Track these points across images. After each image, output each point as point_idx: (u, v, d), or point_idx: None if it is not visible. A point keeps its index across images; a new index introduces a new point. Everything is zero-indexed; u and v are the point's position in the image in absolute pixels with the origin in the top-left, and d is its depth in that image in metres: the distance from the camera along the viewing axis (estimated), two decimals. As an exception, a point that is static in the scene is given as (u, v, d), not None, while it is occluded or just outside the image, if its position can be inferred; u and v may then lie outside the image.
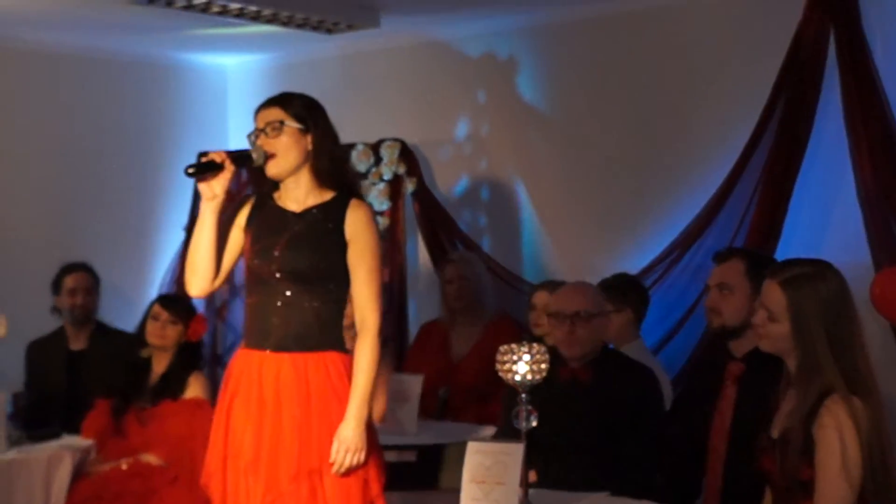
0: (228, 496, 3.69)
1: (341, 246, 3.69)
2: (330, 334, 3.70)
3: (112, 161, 7.34)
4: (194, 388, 5.28)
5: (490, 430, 5.16)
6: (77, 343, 6.24)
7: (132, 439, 5.32)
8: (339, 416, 3.61)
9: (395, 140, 6.96)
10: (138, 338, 5.53)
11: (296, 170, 3.72)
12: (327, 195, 3.75)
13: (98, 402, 5.48)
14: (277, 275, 3.68)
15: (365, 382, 3.62)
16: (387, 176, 6.95)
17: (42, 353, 6.27)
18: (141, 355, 5.50)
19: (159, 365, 5.45)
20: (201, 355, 5.54)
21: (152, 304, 5.55)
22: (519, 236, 6.81)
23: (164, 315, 5.43)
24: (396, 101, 7.26)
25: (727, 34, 5.93)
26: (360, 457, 3.60)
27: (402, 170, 6.94)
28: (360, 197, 3.79)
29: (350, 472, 3.61)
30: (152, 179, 7.45)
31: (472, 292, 6.08)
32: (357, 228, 3.69)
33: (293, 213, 3.74)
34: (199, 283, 3.74)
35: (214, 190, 3.64)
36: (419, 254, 7.10)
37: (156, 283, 7.34)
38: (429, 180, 7.06)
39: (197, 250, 3.71)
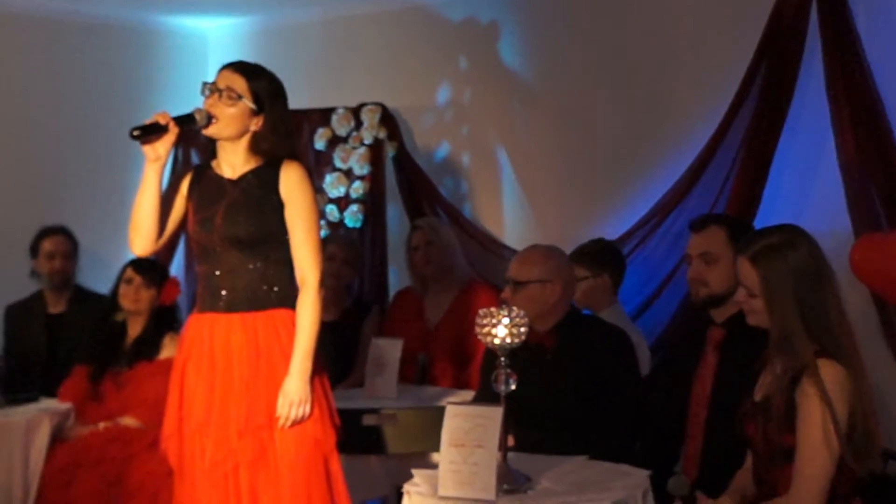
0: (184, 457, 3.77)
1: (278, 207, 3.76)
2: (278, 293, 3.78)
3: (90, 125, 7.28)
4: (169, 349, 5.26)
5: (466, 395, 5.18)
6: (56, 307, 6.22)
7: (110, 403, 5.32)
8: (286, 372, 3.68)
9: (376, 104, 6.92)
10: (112, 301, 5.52)
11: (233, 138, 3.78)
12: (261, 160, 3.81)
13: (75, 368, 5.47)
14: (220, 242, 3.76)
15: (307, 338, 3.70)
16: (367, 140, 6.91)
17: (21, 316, 6.25)
18: (115, 319, 5.49)
19: (134, 328, 5.46)
20: (177, 318, 5.52)
21: (125, 267, 5.54)
22: (500, 202, 6.79)
23: (138, 279, 5.43)
24: (378, 65, 7.22)
25: (710, 2, 5.91)
26: (305, 409, 3.67)
27: (382, 134, 6.90)
28: (293, 157, 3.84)
29: (298, 426, 3.68)
30: (131, 144, 7.34)
31: (440, 258, 6.02)
32: (291, 189, 3.76)
33: (229, 181, 3.82)
34: (141, 243, 3.81)
35: (158, 151, 3.71)
36: (400, 219, 7.07)
37: (134, 247, 7.30)
38: (410, 146, 7.03)
39: (140, 210, 3.77)
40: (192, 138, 6.85)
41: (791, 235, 3.46)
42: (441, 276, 6.03)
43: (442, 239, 6.05)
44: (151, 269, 5.45)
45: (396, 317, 6.19)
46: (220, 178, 3.83)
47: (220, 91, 3.74)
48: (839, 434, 3.25)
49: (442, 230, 6.13)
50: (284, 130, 3.82)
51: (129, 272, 5.45)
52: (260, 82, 3.78)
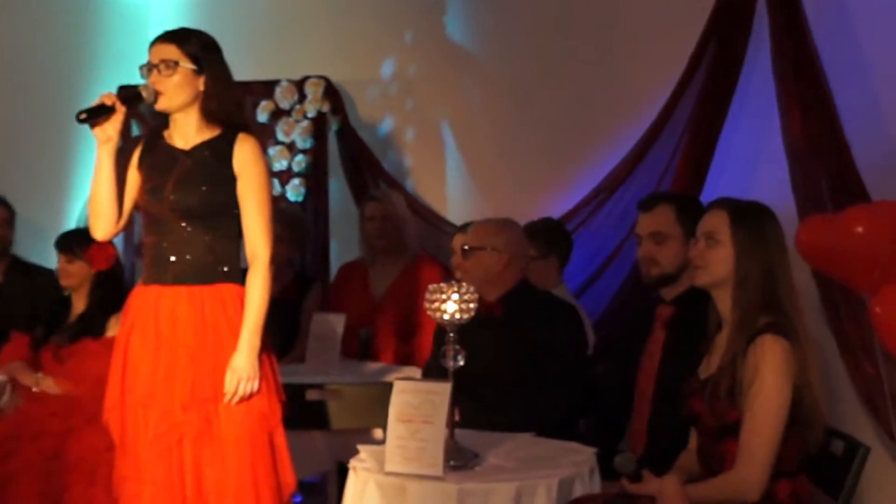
0: (127, 430, 3.75)
1: (231, 180, 3.74)
2: (226, 267, 3.76)
3: (27, 92, 7.13)
4: (115, 328, 5.17)
5: (410, 370, 5.16)
6: (-9, 277, 6.11)
7: (48, 373, 5.23)
8: (234, 347, 3.66)
9: (320, 77, 6.87)
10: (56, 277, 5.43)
11: (185, 107, 3.76)
12: (216, 131, 3.79)
13: (14, 334, 5.38)
14: (170, 213, 3.74)
15: (256, 313, 3.69)
16: (311, 114, 6.86)
17: (-45, 286, 6.13)
18: (62, 293, 5.40)
19: (78, 303, 5.36)
20: (121, 283, 5.41)
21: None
22: (444, 178, 6.77)
23: (61, 258, 5.32)
24: (322, 38, 7.15)
25: (658, -22, 5.91)
26: (254, 385, 3.66)
27: (326, 108, 6.86)
28: (248, 131, 3.82)
29: (244, 401, 3.66)
30: (69, 112, 7.15)
31: (394, 231, 6.02)
32: (245, 162, 3.74)
33: (182, 151, 3.79)
34: (103, 227, 3.79)
35: (108, 133, 3.68)
36: (342, 193, 7.03)
37: (73, 217, 7.19)
38: (353, 119, 6.98)
39: (98, 194, 3.75)
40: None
41: (769, 211, 3.52)
42: (391, 249, 6.02)
43: (398, 213, 6.05)
44: (71, 242, 5.34)
45: (341, 289, 6.16)
46: (173, 149, 3.80)
47: (156, 66, 3.72)
48: (784, 408, 3.28)
49: (399, 204, 6.12)
50: (226, 82, 3.80)
51: (57, 252, 5.34)
52: (190, 43, 3.75)
